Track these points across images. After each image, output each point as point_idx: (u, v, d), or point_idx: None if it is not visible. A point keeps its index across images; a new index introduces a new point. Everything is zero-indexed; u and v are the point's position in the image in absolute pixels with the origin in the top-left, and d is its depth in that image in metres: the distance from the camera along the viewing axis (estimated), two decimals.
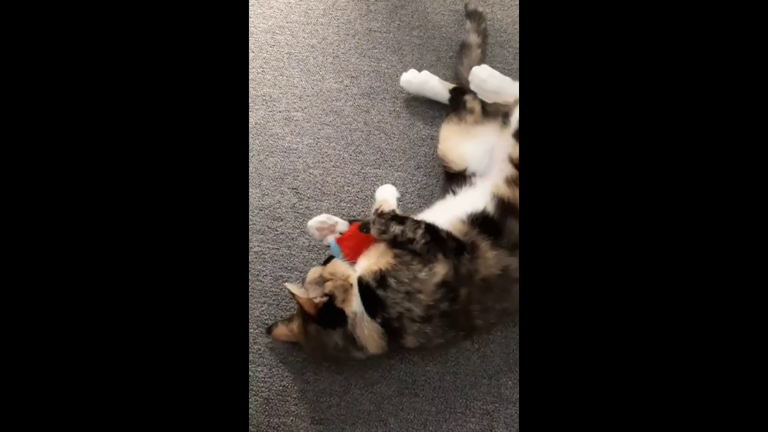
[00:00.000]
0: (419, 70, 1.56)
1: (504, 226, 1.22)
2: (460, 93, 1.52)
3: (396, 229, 1.21)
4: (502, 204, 1.25)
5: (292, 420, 1.31)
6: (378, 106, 1.60)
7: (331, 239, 1.30)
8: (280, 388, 1.34)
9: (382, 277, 1.19)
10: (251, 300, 1.41)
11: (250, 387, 1.33)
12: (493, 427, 1.28)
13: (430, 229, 1.21)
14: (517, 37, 1.64)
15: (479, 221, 1.24)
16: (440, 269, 1.18)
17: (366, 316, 1.20)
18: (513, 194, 1.26)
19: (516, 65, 1.61)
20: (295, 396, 1.33)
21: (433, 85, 1.56)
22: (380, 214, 1.25)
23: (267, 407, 1.32)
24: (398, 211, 1.29)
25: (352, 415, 1.30)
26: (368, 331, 1.20)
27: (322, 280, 1.21)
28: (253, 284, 1.42)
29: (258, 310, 1.40)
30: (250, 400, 1.32)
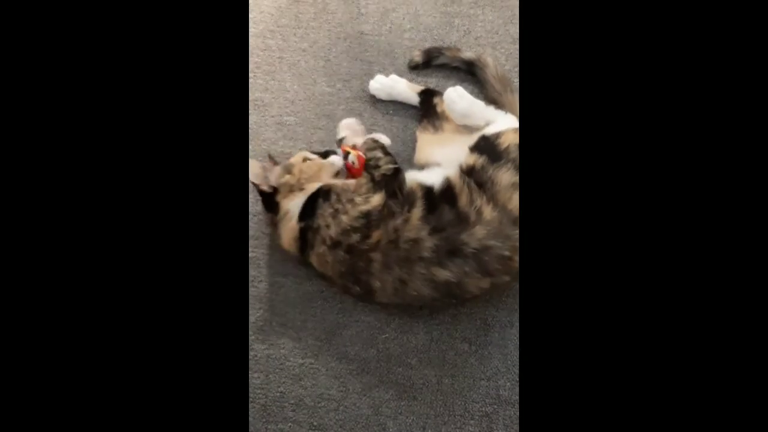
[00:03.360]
0: (411, 73, 1.56)
1: (439, 207, 1.26)
2: (429, 95, 1.52)
3: (378, 153, 1.32)
4: (446, 189, 1.28)
5: (290, 426, 1.30)
6: (370, 109, 1.59)
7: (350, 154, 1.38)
8: (278, 394, 1.33)
9: (328, 190, 1.29)
10: None
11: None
12: (492, 429, 1.28)
13: (398, 173, 1.30)
14: (508, 38, 1.64)
15: (425, 190, 1.30)
16: (375, 201, 1.26)
17: (295, 217, 1.31)
18: (458, 184, 1.29)
19: (508, 65, 1.61)
20: (292, 402, 1.32)
21: (401, 89, 1.56)
22: (375, 140, 1.37)
23: (264, 414, 1.31)
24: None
25: (350, 420, 1.30)
26: (288, 230, 1.33)
27: (287, 171, 1.35)
28: (249, 290, 1.41)
29: (254, 316, 1.39)
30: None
